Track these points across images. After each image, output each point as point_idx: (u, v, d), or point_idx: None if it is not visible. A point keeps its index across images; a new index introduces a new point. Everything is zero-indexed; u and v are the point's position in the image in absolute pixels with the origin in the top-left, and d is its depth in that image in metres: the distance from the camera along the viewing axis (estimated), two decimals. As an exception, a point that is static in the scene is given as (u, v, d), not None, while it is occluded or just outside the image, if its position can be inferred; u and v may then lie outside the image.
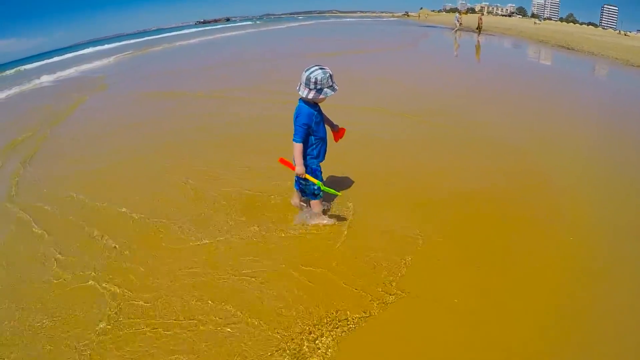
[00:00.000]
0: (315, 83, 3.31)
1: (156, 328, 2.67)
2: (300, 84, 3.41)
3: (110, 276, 3.21)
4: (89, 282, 3.16)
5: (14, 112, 10.76)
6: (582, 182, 4.59)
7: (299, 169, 3.50)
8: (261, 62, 15.19)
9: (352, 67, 12.51)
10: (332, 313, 2.69)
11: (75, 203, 4.46)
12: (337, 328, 2.56)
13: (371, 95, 8.76)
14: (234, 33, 36.22)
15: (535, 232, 3.56)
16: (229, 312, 2.76)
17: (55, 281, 3.22)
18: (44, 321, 2.81)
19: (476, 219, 3.79)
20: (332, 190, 3.62)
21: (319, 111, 3.56)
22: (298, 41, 25.26)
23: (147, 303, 2.89)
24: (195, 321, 2.70)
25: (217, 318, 2.71)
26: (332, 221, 3.79)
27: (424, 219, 3.76)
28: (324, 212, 3.85)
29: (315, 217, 3.81)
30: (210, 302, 2.86)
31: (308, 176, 3.53)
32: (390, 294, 2.82)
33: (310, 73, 3.32)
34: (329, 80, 3.36)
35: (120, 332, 2.65)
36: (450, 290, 2.86)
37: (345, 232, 3.59)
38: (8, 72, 20.65)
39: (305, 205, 3.92)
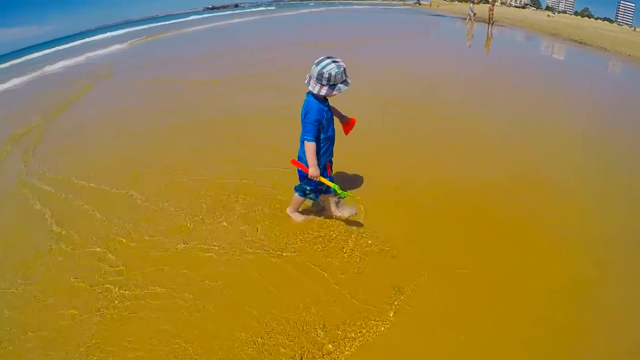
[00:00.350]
0: (329, 79, 3.02)
1: (140, 298, 2.92)
2: (310, 77, 3.10)
3: (100, 249, 3.50)
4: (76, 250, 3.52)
5: (21, 100, 10.86)
6: (584, 186, 4.55)
7: (313, 170, 3.22)
8: (269, 50, 15.07)
9: (362, 56, 12.36)
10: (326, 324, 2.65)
11: (70, 184, 4.78)
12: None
13: (380, 84, 8.73)
14: (243, 19, 35.87)
15: (534, 240, 3.53)
16: (212, 288, 3.00)
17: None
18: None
19: (478, 224, 3.74)
20: (350, 195, 3.42)
21: (329, 106, 3.30)
22: (308, 29, 24.90)
23: (130, 270, 3.21)
24: (173, 291, 2.97)
25: (195, 292, 2.95)
26: (303, 218, 3.69)
27: (432, 225, 3.72)
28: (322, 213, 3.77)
29: (291, 211, 3.74)
30: (194, 276, 3.11)
31: (322, 179, 3.30)
32: (392, 310, 2.75)
33: (323, 67, 3.01)
34: (343, 75, 3.07)
35: (103, 299, 2.94)
36: (455, 307, 2.79)
37: (353, 238, 3.48)
38: (15, 60, 20.73)
39: (322, 203, 3.76)
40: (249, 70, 11.03)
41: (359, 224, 3.63)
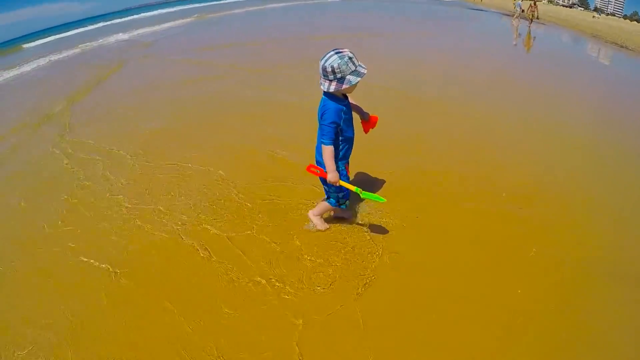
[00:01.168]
0: (334, 72, 2.80)
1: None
2: (320, 76, 2.93)
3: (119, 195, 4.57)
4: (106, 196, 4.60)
5: (61, 75, 11.50)
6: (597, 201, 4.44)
7: (332, 175, 3.02)
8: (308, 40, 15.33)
9: (394, 49, 12.91)
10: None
11: (90, 146, 5.80)
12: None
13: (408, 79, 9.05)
14: (282, 5, 35.71)
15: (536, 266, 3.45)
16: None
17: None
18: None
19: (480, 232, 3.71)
20: (376, 196, 3.15)
21: (348, 105, 3.04)
22: (350, 17, 24.65)
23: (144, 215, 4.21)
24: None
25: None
26: (326, 227, 3.53)
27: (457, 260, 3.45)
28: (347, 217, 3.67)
29: (314, 214, 3.55)
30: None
31: (343, 183, 3.09)
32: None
33: (325, 61, 2.82)
34: (350, 64, 2.81)
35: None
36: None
37: (373, 275, 3.20)
38: (49, 38, 21.20)
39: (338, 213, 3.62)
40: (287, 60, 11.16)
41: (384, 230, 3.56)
